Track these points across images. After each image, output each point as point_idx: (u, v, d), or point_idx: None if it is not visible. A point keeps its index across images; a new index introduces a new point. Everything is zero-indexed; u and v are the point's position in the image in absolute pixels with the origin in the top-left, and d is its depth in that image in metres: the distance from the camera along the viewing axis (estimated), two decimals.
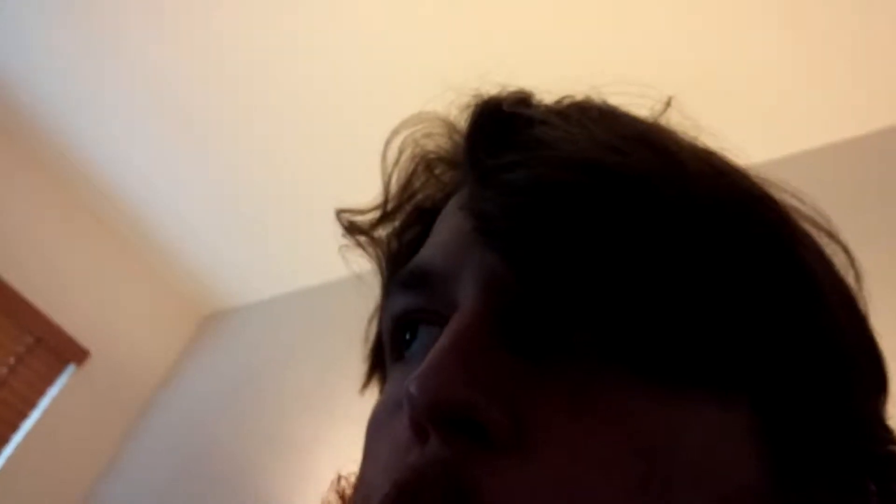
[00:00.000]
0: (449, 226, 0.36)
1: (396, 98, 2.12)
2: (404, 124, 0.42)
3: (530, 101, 0.38)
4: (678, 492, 0.27)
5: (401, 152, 0.42)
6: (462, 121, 0.40)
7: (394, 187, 0.42)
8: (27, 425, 2.81)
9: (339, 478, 0.41)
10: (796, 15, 1.76)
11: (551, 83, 0.40)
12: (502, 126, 0.35)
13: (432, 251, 0.36)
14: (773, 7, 1.77)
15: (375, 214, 0.42)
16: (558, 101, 0.38)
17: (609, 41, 1.88)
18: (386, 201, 0.42)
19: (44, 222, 2.96)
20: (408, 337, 0.35)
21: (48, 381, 2.90)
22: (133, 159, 2.79)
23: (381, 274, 0.42)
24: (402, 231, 0.42)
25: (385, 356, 0.39)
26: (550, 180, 0.30)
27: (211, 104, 2.47)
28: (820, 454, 0.31)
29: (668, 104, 0.39)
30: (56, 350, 2.91)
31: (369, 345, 0.43)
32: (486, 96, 0.38)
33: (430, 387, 0.27)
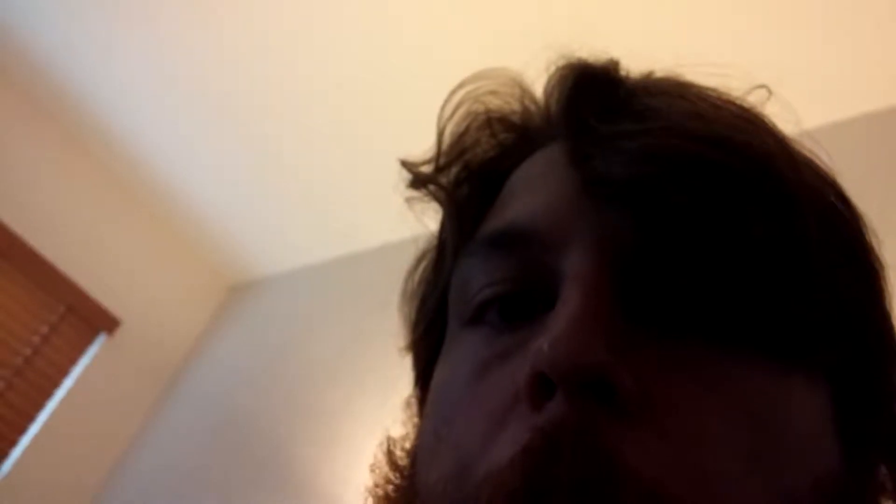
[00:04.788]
0: (546, 187, 0.35)
1: (418, 74, 2.12)
2: (471, 78, 0.41)
3: (622, 70, 0.37)
4: (785, 466, 0.28)
5: (458, 106, 0.41)
6: (539, 84, 0.39)
7: (446, 142, 0.41)
8: (59, 393, 2.86)
9: (388, 439, 0.39)
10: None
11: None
12: (606, 91, 0.35)
13: (530, 210, 0.34)
14: None
15: (428, 168, 0.41)
16: (648, 74, 0.38)
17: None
18: (438, 155, 0.41)
19: (74, 193, 2.99)
20: (488, 301, 0.34)
21: (80, 349, 2.95)
22: (162, 130, 2.81)
23: (449, 229, 0.40)
24: (455, 187, 0.40)
25: (449, 316, 0.37)
26: (683, 152, 0.30)
27: (239, 74, 2.47)
28: (883, 435, 0.33)
29: (769, 94, 0.38)
30: (87, 319, 2.96)
31: (429, 302, 0.41)
32: (576, 60, 0.37)
33: (571, 349, 0.27)
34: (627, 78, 0.37)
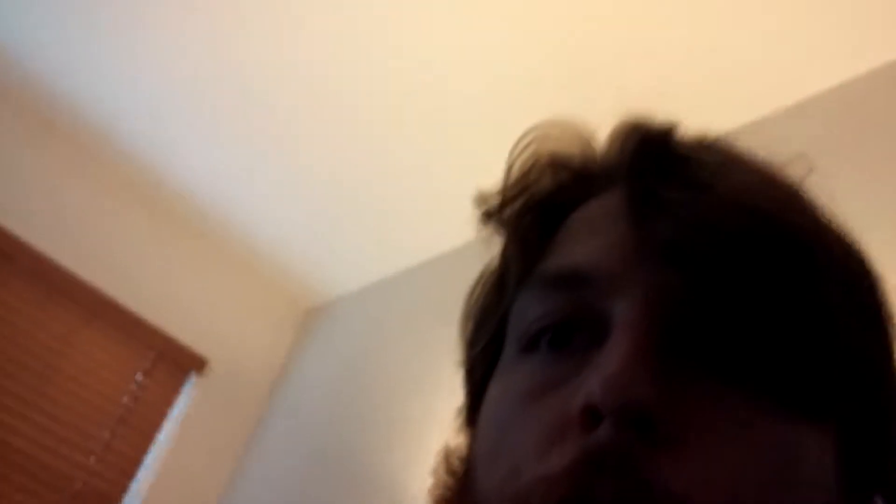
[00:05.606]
0: (606, 236, 0.39)
1: (470, 95, 2.13)
2: (540, 124, 0.46)
3: (678, 133, 0.41)
4: (795, 495, 0.33)
5: (526, 147, 0.45)
6: (600, 136, 0.44)
7: (513, 177, 0.45)
8: (161, 436, 3.00)
9: (447, 450, 0.44)
10: None
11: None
12: (665, 154, 0.39)
13: (590, 257, 0.38)
14: None
15: (496, 201, 0.45)
16: (703, 139, 0.42)
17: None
18: (505, 189, 0.45)
19: (147, 243, 3.13)
20: (543, 330, 0.38)
21: (174, 391, 3.09)
22: (219, 165, 2.91)
23: (513, 258, 0.44)
24: (519, 218, 0.45)
25: (506, 339, 0.42)
26: (733, 225, 0.35)
27: (296, 97, 2.51)
28: (883, 474, 0.38)
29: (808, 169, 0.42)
30: (177, 362, 3.09)
31: (488, 324, 0.45)
32: (638, 120, 0.42)
33: (620, 389, 0.31)
34: (685, 142, 0.41)
